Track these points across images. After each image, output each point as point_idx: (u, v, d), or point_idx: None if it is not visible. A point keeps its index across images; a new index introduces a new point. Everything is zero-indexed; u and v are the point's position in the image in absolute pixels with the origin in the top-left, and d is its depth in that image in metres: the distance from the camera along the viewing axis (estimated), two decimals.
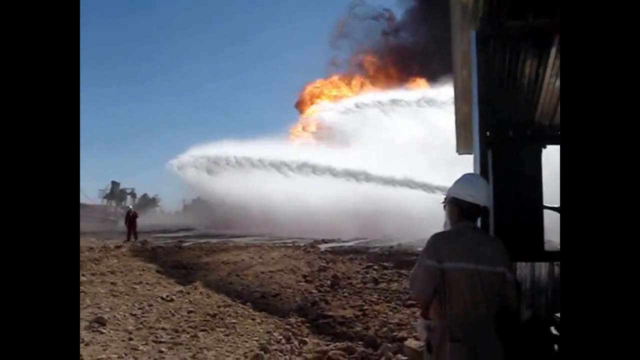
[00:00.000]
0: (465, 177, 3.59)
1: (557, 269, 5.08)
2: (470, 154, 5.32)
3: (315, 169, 38.76)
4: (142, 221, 52.72)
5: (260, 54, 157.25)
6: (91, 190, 62.45)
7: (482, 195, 3.44)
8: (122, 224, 34.61)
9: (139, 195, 66.38)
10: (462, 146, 6.69)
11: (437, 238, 3.41)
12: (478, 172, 4.58)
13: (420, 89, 44.89)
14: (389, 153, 35.63)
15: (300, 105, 59.11)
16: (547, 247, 5.48)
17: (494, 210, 4.32)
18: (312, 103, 56.54)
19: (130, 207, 38.18)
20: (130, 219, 29.32)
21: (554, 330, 4.39)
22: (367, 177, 35.96)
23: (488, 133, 4.98)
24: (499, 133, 5.30)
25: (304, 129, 54.84)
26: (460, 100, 5.97)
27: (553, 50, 4.74)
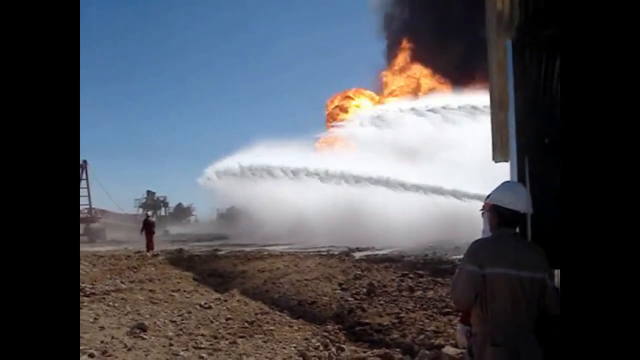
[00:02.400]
0: (506, 185, 3.63)
1: None
2: (507, 161, 5.33)
3: (345, 177, 38.45)
4: (176, 230, 53.55)
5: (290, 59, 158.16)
6: (127, 199, 63.57)
7: (522, 203, 3.47)
8: (157, 233, 30.58)
9: (173, 204, 67.17)
10: (498, 154, 6.70)
11: (478, 244, 3.47)
12: (515, 179, 4.61)
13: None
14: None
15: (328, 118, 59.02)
16: None
17: (531, 218, 4.32)
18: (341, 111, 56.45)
19: (148, 213, 35.72)
20: (147, 226, 26.30)
21: None
22: (405, 186, 35.42)
23: (525, 140, 4.99)
24: (535, 140, 5.30)
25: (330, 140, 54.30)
26: (496, 107, 5.97)
27: None
